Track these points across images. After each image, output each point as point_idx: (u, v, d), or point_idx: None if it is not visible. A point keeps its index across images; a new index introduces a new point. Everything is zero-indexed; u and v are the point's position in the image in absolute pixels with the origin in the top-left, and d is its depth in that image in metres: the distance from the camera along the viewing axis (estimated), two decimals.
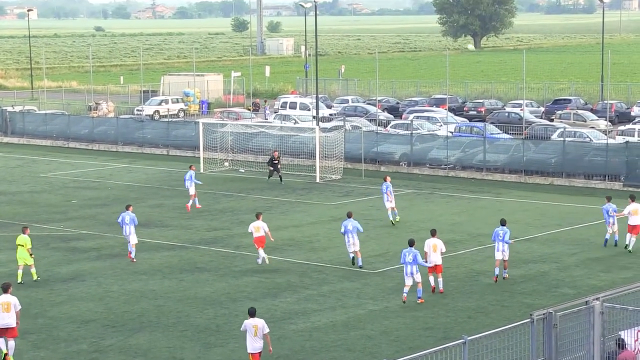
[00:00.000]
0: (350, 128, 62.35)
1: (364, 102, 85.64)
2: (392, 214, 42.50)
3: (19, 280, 32.99)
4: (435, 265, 31.37)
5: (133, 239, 36.05)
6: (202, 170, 57.60)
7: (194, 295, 31.49)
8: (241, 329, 24.21)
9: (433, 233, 31.99)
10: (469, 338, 18.32)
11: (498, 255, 32.69)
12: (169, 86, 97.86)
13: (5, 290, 25.53)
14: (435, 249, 31.36)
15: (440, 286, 31.40)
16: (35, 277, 33.40)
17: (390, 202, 42.35)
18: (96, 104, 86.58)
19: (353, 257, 34.96)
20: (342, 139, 57.13)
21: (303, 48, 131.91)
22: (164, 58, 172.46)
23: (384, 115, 76.02)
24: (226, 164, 59.29)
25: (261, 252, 35.16)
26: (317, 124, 62.59)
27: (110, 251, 37.71)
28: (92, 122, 72.36)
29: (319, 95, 76.82)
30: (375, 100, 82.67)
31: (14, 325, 25.18)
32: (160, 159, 63.56)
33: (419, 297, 30.31)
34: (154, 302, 30.74)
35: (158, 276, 33.91)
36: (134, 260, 35.89)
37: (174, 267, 35.16)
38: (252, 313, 23.78)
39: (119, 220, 36.70)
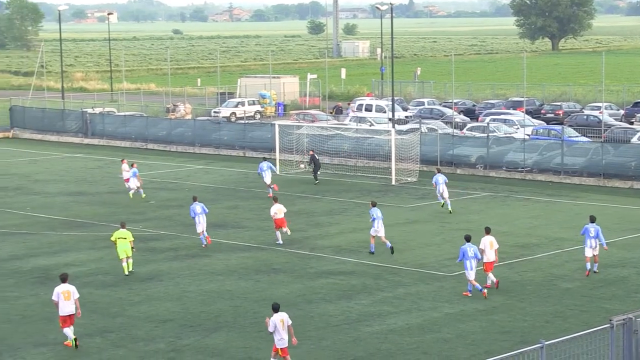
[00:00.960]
0: (426, 130, 62.11)
1: (440, 104, 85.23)
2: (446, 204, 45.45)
3: (126, 272, 34.46)
4: (492, 262, 32.02)
5: (203, 227, 38.46)
6: (278, 172, 57.82)
7: (269, 296, 31.61)
8: (270, 330, 24.07)
9: (488, 231, 32.53)
10: (546, 343, 18.12)
11: (588, 252, 33.49)
12: (245, 88, 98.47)
13: (63, 281, 27.27)
14: (492, 246, 31.95)
15: (493, 280, 31.97)
16: (130, 269, 34.59)
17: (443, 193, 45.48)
18: (174, 106, 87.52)
19: (391, 247, 36.99)
20: (417, 142, 56.96)
21: (379, 50, 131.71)
22: (241, 60, 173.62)
23: (460, 118, 75.58)
24: (302, 166, 59.46)
25: (278, 234, 38.71)
26: (393, 127, 62.48)
27: (187, 252, 38.07)
28: (170, 124, 73.12)
29: (395, 98, 76.65)
30: (451, 102, 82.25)
31: (74, 312, 26.92)
32: (237, 161, 64.00)
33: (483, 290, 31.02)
34: (230, 303, 30.96)
35: (234, 277, 34.15)
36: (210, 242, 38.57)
37: (250, 268, 35.37)
38: (276, 308, 24.22)
39: (192, 215, 38.50)
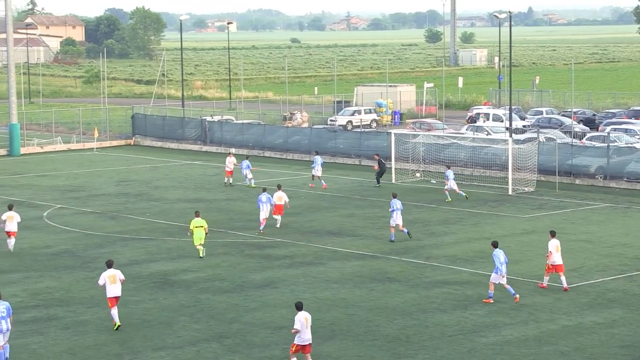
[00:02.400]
0: (544, 140, 61.26)
1: (559, 113, 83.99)
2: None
3: (201, 255, 38.23)
4: (558, 264, 32.84)
5: (265, 215, 43.00)
6: (393, 181, 57.83)
7: (384, 305, 31.61)
8: (297, 327, 24.93)
9: (553, 234, 33.47)
10: None
11: None
12: (362, 97, 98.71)
13: (109, 266, 29.64)
14: (557, 249, 32.88)
15: (565, 284, 32.70)
16: (202, 255, 38.25)
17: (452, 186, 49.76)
18: (291, 114, 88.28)
19: (408, 232, 40.84)
20: (535, 151, 56.22)
21: (496, 59, 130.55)
22: (358, 69, 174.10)
23: (579, 127, 74.35)
24: (417, 174, 59.28)
25: (279, 217, 43.96)
26: (510, 136, 61.82)
27: (303, 259, 38.29)
28: (287, 132, 73.72)
29: (513, 107, 75.85)
30: (570, 111, 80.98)
31: (120, 294, 29.44)
32: (352, 169, 64.14)
33: (515, 295, 31.50)
34: (344, 311, 31.03)
35: (349, 285, 34.22)
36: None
37: (364, 277, 35.40)
38: (300, 307, 25.24)
39: (258, 204, 43.27)
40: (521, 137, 64.40)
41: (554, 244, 33.08)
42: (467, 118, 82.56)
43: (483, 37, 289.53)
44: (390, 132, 62.74)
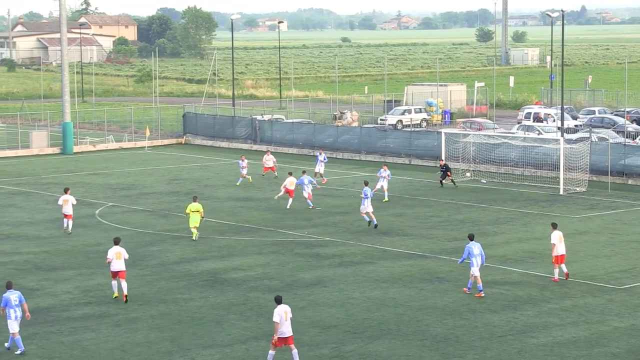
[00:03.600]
0: (597, 140, 60.72)
1: (612, 113, 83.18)
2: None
3: (194, 238, 41.56)
4: (562, 255, 33.91)
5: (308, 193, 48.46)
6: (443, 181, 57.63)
7: (433, 305, 31.54)
8: (276, 320, 25.37)
9: (555, 226, 34.60)
10: None
11: None
12: (412, 96, 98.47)
13: (116, 243, 32.92)
14: (561, 240, 33.93)
15: (565, 270, 34.05)
16: (195, 237, 41.59)
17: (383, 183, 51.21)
18: (341, 113, 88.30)
19: (369, 221, 43.41)
20: (587, 151, 55.75)
21: (548, 58, 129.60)
22: (408, 68, 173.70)
23: (632, 127, 73.58)
24: (468, 174, 59.05)
25: (290, 201, 48.94)
26: (562, 135, 61.33)
27: (352, 258, 38.31)
28: (337, 131, 73.76)
29: (565, 106, 75.24)
30: (623, 111, 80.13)
31: (124, 269, 32.54)
32: (402, 169, 64.01)
33: (480, 292, 32.30)
34: (393, 310, 31.01)
35: (398, 284, 34.18)
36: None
37: (414, 276, 35.34)
38: (279, 300, 25.71)
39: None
40: (573, 136, 63.90)
41: (556, 236, 33.94)
42: (533, 118, 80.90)
43: (535, 36, 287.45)
44: (441, 132, 62.56)
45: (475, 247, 32.63)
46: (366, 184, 45.42)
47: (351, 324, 29.65)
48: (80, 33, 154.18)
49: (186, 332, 29.00)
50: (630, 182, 55.96)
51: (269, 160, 60.13)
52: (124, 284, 32.37)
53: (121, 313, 31.00)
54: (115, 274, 32.59)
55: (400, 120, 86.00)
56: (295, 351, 25.72)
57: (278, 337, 25.50)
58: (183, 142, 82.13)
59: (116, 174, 63.46)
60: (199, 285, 34.50)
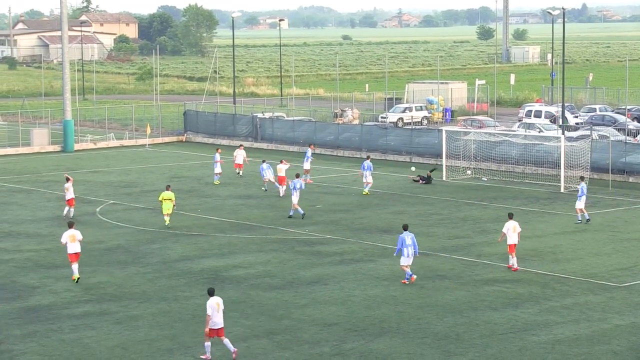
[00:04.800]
0: (597, 137, 60.69)
1: (612, 111, 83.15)
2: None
3: (167, 224, 43.92)
4: (512, 244, 35.24)
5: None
6: (444, 178, 57.66)
7: (434, 303, 31.54)
8: (208, 312, 26.07)
9: (510, 216, 35.97)
10: None
11: None
12: (413, 94, 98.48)
13: (70, 226, 34.75)
14: (514, 230, 35.26)
15: (515, 265, 35.24)
16: (167, 224, 43.91)
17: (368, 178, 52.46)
18: (342, 111, 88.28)
19: (302, 213, 45.34)
20: (588, 149, 55.73)
21: (549, 56, 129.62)
22: (409, 66, 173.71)
23: (633, 125, 73.55)
24: (469, 172, 59.05)
25: (281, 188, 51.45)
26: (563, 133, 61.31)
27: (353, 256, 38.31)
28: (338, 129, 73.75)
29: (565, 104, 75.18)
30: (624, 109, 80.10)
31: (79, 251, 34.47)
32: (403, 166, 63.97)
33: (411, 277, 33.65)
34: (394, 308, 31.00)
35: (399, 282, 34.16)
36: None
37: (414, 274, 35.29)
38: (211, 292, 26.49)
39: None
40: (574, 134, 63.88)
41: (511, 225, 35.28)
42: (550, 118, 79.92)
43: (536, 34, 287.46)
44: (442, 130, 62.54)
45: (408, 238, 33.68)
46: (298, 176, 47.34)
47: (352, 321, 29.64)
48: (81, 31, 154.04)
49: (187, 330, 29.00)
50: (631, 179, 55.94)
51: (240, 156, 59.53)
52: (75, 266, 34.38)
53: (122, 311, 31.00)
54: (72, 257, 34.38)
55: (401, 118, 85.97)
56: (226, 340, 26.42)
57: (210, 329, 26.13)
58: (184, 140, 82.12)
59: (117, 172, 63.46)
60: (199, 283, 34.49)
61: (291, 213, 46.16)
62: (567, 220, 45.08)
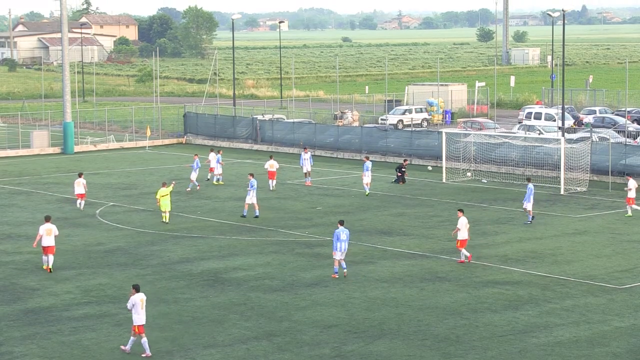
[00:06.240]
0: (597, 139, 60.72)
1: (612, 113, 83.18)
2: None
3: (166, 220, 45.09)
4: (464, 239, 36.59)
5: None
6: (444, 180, 57.68)
7: (434, 305, 31.55)
8: (129, 307, 26.89)
9: (462, 212, 37.17)
10: None
11: None
12: (413, 96, 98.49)
13: (47, 220, 36.45)
14: (466, 227, 36.54)
15: (463, 258, 36.79)
16: (166, 220, 45.09)
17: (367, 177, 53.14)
18: (342, 113, 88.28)
19: (255, 213, 46.40)
20: (588, 151, 55.75)
21: (549, 58, 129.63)
22: (409, 68, 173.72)
23: (633, 127, 73.56)
24: (469, 174, 59.06)
25: (271, 182, 54.27)
26: (563, 135, 61.33)
27: (353, 258, 38.26)
28: (337, 131, 73.73)
29: (565, 106, 75.21)
30: (624, 111, 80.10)
31: (54, 244, 36.18)
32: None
33: (344, 270, 34.82)
34: (394, 310, 31.01)
35: (399, 284, 34.18)
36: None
37: (414, 276, 35.34)
38: (137, 288, 26.97)
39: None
40: (574, 136, 63.90)
41: (463, 222, 36.58)
42: (574, 122, 78.74)
43: (536, 35, 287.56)
44: (442, 131, 62.55)
45: (343, 233, 34.71)
46: (252, 176, 47.96)
47: (352, 323, 29.65)
48: (81, 33, 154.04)
49: (187, 332, 29.00)
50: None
51: (213, 160, 58.54)
52: (52, 258, 36.09)
53: (122, 313, 30.97)
54: (46, 249, 36.06)
55: (401, 120, 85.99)
56: (144, 339, 26.70)
57: (137, 325, 26.67)
58: (184, 142, 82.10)
59: (117, 174, 63.46)
60: (199, 284, 34.49)
61: (244, 213, 47.15)
62: (567, 222, 45.09)
